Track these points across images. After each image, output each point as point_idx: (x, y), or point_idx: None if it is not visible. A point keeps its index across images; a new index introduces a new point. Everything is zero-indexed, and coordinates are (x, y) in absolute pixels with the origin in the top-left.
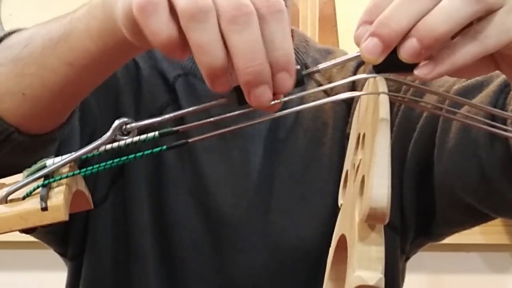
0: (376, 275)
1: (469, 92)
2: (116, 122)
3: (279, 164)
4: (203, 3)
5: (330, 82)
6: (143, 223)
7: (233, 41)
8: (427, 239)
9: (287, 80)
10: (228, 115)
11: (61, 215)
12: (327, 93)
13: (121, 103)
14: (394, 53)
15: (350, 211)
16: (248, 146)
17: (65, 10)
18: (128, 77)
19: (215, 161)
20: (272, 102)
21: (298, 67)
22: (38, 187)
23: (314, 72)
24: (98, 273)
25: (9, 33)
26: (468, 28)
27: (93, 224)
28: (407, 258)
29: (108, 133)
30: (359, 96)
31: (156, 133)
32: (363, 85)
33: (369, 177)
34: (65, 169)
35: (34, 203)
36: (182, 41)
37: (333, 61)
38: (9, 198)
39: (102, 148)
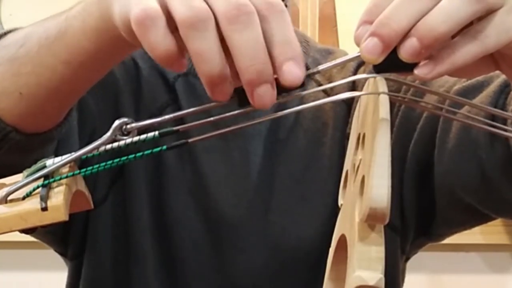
0: (376, 275)
1: (470, 92)
2: (116, 122)
3: (279, 164)
4: (201, 12)
5: (330, 82)
6: (143, 223)
7: (234, 41)
8: (427, 240)
9: (296, 70)
10: (228, 115)
11: (61, 215)
12: (327, 93)
13: (121, 103)
14: (394, 53)
15: (350, 211)
16: (248, 146)
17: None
18: (127, 77)
19: (215, 161)
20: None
21: None
22: (38, 187)
23: (314, 73)
24: (98, 273)
25: (5, 33)
26: (468, 27)
27: (93, 224)
28: (407, 259)
29: (108, 133)
30: (359, 96)
31: (156, 133)
32: (363, 85)
33: (369, 177)
34: (65, 169)
35: (34, 203)
36: (180, 53)
37: (333, 62)
38: (9, 198)
39: (102, 148)
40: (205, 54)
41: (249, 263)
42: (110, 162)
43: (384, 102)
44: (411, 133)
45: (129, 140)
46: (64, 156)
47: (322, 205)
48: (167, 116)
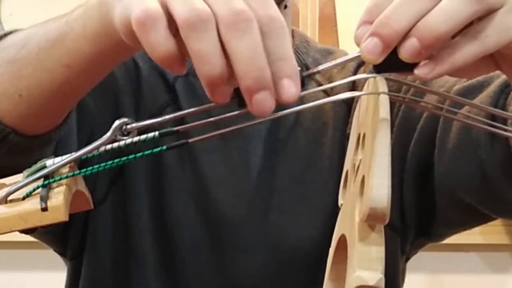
0: (376, 275)
1: (470, 92)
2: (116, 122)
3: (279, 164)
4: (202, 12)
5: (330, 82)
6: (143, 223)
7: (233, 47)
8: (428, 240)
9: (292, 88)
10: (228, 115)
11: (61, 216)
12: (327, 93)
13: (121, 103)
14: (394, 53)
15: (350, 211)
16: (248, 146)
17: (65, 10)
18: (127, 77)
19: (215, 161)
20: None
21: (299, 68)
22: (38, 187)
23: (314, 73)
24: (97, 273)
25: (5, 34)
26: (469, 27)
27: (93, 224)
28: (407, 259)
29: (108, 133)
30: (359, 96)
31: (156, 133)
32: (363, 85)
33: (369, 177)
34: (65, 169)
35: (34, 203)
36: (181, 55)
37: (333, 62)
38: (9, 198)
39: (102, 148)
40: (205, 56)
41: (249, 263)
42: (110, 162)
43: (384, 102)
44: (411, 133)
45: (129, 140)
46: (64, 156)
47: (322, 205)
48: (167, 116)
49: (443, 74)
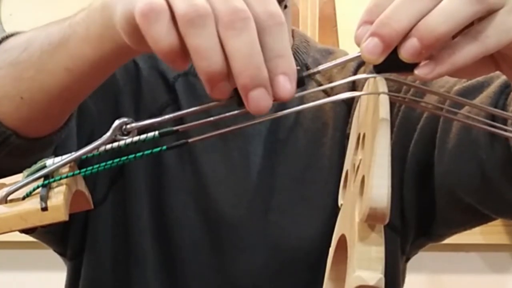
0: (376, 275)
1: (470, 92)
2: (116, 122)
3: (279, 164)
4: (201, 8)
5: (330, 82)
6: (143, 223)
7: (230, 45)
8: (428, 240)
9: (287, 85)
10: (228, 115)
11: (61, 215)
12: (327, 93)
13: (121, 103)
14: (394, 53)
15: (350, 211)
16: (248, 146)
17: (65, 10)
18: (127, 77)
19: (215, 161)
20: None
21: (299, 67)
22: (38, 187)
23: (314, 73)
24: (97, 273)
25: (7, 36)
26: (469, 28)
27: (93, 224)
28: (408, 259)
29: (108, 133)
30: (359, 96)
31: (156, 133)
32: (363, 85)
33: (369, 177)
34: (65, 169)
35: (34, 203)
36: (184, 49)
37: (333, 62)
38: (9, 198)
39: (102, 148)
40: (203, 51)
41: (249, 263)
42: (110, 162)
43: (384, 102)
44: (411, 133)
45: (129, 140)
46: (64, 156)
47: (322, 205)
48: (167, 116)
49: (443, 74)
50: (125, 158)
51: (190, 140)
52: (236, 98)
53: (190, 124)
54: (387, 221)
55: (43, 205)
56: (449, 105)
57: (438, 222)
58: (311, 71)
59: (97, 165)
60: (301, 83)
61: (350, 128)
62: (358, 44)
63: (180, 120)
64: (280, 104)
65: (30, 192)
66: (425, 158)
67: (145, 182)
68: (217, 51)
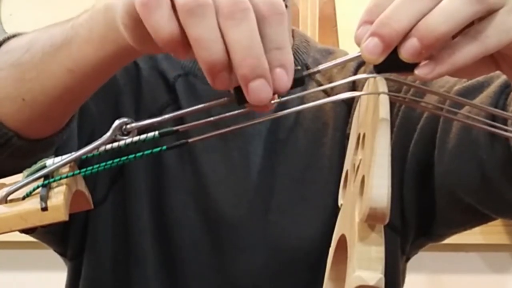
0: (376, 275)
1: (470, 92)
2: (116, 122)
3: (279, 164)
4: None
5: (330, 83)
6: (143, 223)
7: (230, 36)
8: (428, 240)
9: (284, 77)
10: (228, 114)
11: (61, 215)
12: (327, 93)
13: (121, 103)
14: (394, 53)
15: (350, 211)
16: (248, 146)
17: (65, 11)
18: (128, 77)
19: (215, 161)
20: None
21: (299, 67)
22: (38, 187)
23: (314, 73)
24: (98, 273)
25: (9, 38)
26: (469, 28)
27: (93, 224)
28: (408, 259)
29: (108, 133)
30: (359, 96)
31: (156, 133)
32: (363, 85)
33: (369, 177)
34: (65, 169)
35: (34, 203)
36: (184, 38)
37: (333, 62)
38: (9, 198)
39: (102, 148)
40: (204, 41)
41: (249, 263)
42: (110, 162)
43: (384, 102)
44: (411, 133)
45: (129, 140)
46: (64, 156)
47: (322, 205)
48: (167, 116)
49: (444, 74)
50: (125, 158)
51: (190, 140)
52: (236, 96)
53: (190, 124)
54: (387, 221)
55: (43, 205)
56: (449, 105)
57: (438, 222)
58: (311, 70)
59: (97, 165)
60: (301, 82)
61: (350, 128)
62: (358, 44)
63: (180, 120)
64: (280, 104)
65: (30, 192)
66: (425, 158)
67: (145, 182)
68: (218, 41)
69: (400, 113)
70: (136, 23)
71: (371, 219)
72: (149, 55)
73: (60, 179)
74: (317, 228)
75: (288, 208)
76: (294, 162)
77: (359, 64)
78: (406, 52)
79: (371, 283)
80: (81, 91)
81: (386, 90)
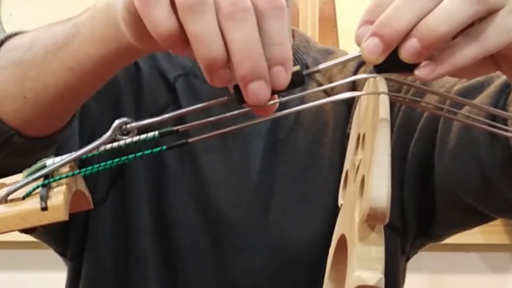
0: (376, 275)
1: (470, 92)
2: (116, 122)
3: (279, 164)
4: None
5: (330, 83)
6: (143, 223)
7: (230, 36)
8: (428, 240)
9: (283, 75)
10: (228, 114)
11: (61, 215)
12: (327, 93)
13: (122, 103)
14: (395, 53)
15: (350, 211)
16: (248, 146)
17: (65, 10)
18: (128, 77)
19: (215, 161)
20: (269, 102)
21: (299, 67)
22: (38, 187)
23: (314, 72)
24: (98, 273)
25: (10, 36)
26: (469, 28)
27: (93, 224)
28: (408, 259)
29: (108, 133)
30: (359, 96)
31: (156, 133)
32: (363, 85)
33: (369, 177)
34: (65, 169)
35: (34, 203)
36: (183, 35)
37: (333, 61)
38: (9, 198)
39: (102, 148)
40: (203, 38)
41: (249, 263)
42: (110, 162)
43: (384, 102)
44: (411, 133)
45: (129, 140)
46: (64, 156)
47: (322, 205)
48: (167, 115)
49: (444, 75)
50: (125, 158)
51: (190, 140)
52: (236, 95)
53: (190, 124)
54: (387, 221)
55: (43, 205)
56: (449, 105)
57: (438, 222)
58: (311, 69)
59: (97, 165)
60: (301, 82)
61: (350, 128)
62: (359, 44)
63: (180, 120)
64: (280, 104)
65: (30, 192)
66: (425, 158)
67: (145, 182)
68: (217, 39)
69: (400, 113)
70: (136, 20)
71: (371, 219)
72: (149, 54)
73: (60, 179)
74: (317, 228)
75: (288, 208)
76: (294, 162)
77: (359, 64)
78: (406, 53)
79: (371, 283)
80: (83, 89)
81: (386, 90)
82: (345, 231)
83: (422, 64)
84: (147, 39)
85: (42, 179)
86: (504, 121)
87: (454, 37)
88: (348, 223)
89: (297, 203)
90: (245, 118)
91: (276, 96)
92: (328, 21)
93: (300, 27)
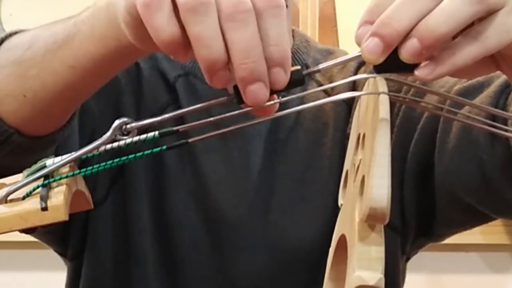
0: (376, 275)
1: (470, 92)
2: (116, 122)
3: (280, 164)
4: None
5: (331, 83)
6: (143, 223)
7: (230, 38)
8: (428, 240)
9: (281, 76)
10: (228, 115)
11: (61, 215)
12: (327, 93)
13: (122, 103)
14: (395, 53)
15: (350, 211)
16: (248, 146)
17: (65, 10)
18: (128, 77)
19: (215, 161)
20: (268, 103)
21: (299, 67)
22: (38, 187)
23: (314, 72)
24: (98, 273)
25: (10, 35)
26: (469, 28)
27: (93, 224)
28: (408, 259)
29: (108, 133)
30: (359, 96)
31: (156, 133)
32: (363, 85)
33: (369, 177)
34: (65, 169)
35: (34, 203)
36: (185, 40)
37: (333, 61)
38: (9, 198)
39: (102, 148)
40: (204, 39)
41: (249, 263)
42: (110, 162)
43: (384, 102)
44: (411, 134)
45: (129, 140)
46: (64, 156)
47: (322, 205)
48: (167, 115)
49: (444, 75)
50: (125, 158)
51: (190, 140)
52: (236, 96)
53: (190, 124)
54: (387, 221)
55: (43, 205)
56: (449, 105)
57: (438, 222)
58: (311, 69)
59: (97, 165)
60: (301, 82)
61: (350, 128)
62: (359, 44)
63: (180, 120)
64: (280, 104)
65: (30, 192)
66: (425, 158)
67: (145, 182)
68: (218, 40)
69: (400, 113)
70: (137, 23)
71: (371, 219)
72: (149, 55)
73: (60, 179)
74: (317, 228)
75: (288, 208)
76: (294, 162)
77: (360, 64)
78: (406, 53)
79: (371, 283)
80: (82, 88)
81: (386, 90)
82: (345, 231)
83: (422, 64)
84: (148, 40)
85: (42, 179)
86: (504, 121)
87: (454, 37)
88: (348, 223)
89: (297, 203)
90: (245, 118)
91: (276, 96)
92: (328, 21)
93: (300, 27)
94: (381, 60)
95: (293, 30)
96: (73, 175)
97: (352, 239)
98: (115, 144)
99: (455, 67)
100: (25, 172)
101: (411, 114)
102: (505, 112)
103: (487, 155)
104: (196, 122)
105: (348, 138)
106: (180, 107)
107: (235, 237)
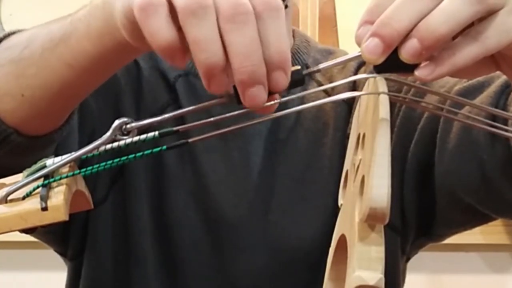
0: (376, 275)
1: (470, 92)
2: (116, 122)
3: (280, 164)
4: (202, 0)
5: (331, 83)
6: (143, 223)
7: (230, 40)
8: (428, 240)
9: (282, 79)
10: (228, 115)
11: (61, 215)
12: (328, 93)
13: (122, 103)
14: (395, 53)
15: (350, 211)
16: (248, 146)
17: (65, 10)
18: (128, 77)
19: (215, 161)
20: (268, 103)
21: (299, 67)
22: (38, 187)
23: (314, 72)
24: (98, 273)
25: (9, 34)
26: (469, 28)
27: (93, 224)
28: (408, 259)
29: (108, 133)
30: (359, 96)
31: (156, 133)
32: (363, 85)
33: (369, 177)
34: (65, 169)
35: (34, 203)
36: (183, 44)
37: (333, 61)
38: (9, 198)
39: (102, 148)
40: (203, 43)
41: (249, 263)
42: (110, 162)
43: (384, 102)
44: (411, 134)
45: (129, 140)
46: (64, 156)
47: (322, 205)
48: (167, 115)
49: (444, 75)
50: (125, 158)
51: (190, 140)
52: (236, 96)
53: (190, 125)
54: (387, 221)
55: (43, 205)
56: (449, 105)
57: (439, 222)
58: (311, 69)
59: (97, 165)
60: (301, 82)
61: (350, 128)
62: (359, 44)
63: (180, 120)
64: (280, 104)
65: (30, 192)
66: (425, 158)
67: (145, 182)
68: (217, 43)
69: (401, 113)
70: (134, 26)
71: (371, 219)
72: (149, 54)
73: (60, 179)
74: (317, 228)
75: (288, 208)
76: (295, 162)
77: (360, 64)
78: (406, 53)
79: (371, 283)
80: (81, 86)
81: (386, 90)
82: (345, 231)
83: (422, 65)
84: (144, 41)
85: (42, 179)
86: (504, 121)
87: (454, 37)
88: (348, 223)
89: (297, 203)
90: (245, 118)
91: (276, 96)
92: (328, 21)
93: (300, 27)
94: (381, 60)
95: (293, 30)
96: (73, 175)
97: (352, 239)
98: (115, 144)
99: (455, 67)
100: (25, 172)
101: (411, 114)
102: (505, 112)
103: (487, 155)
104: (196, 122)
105: (348, 138)
106: (180, 107)
107: (235, 237)
